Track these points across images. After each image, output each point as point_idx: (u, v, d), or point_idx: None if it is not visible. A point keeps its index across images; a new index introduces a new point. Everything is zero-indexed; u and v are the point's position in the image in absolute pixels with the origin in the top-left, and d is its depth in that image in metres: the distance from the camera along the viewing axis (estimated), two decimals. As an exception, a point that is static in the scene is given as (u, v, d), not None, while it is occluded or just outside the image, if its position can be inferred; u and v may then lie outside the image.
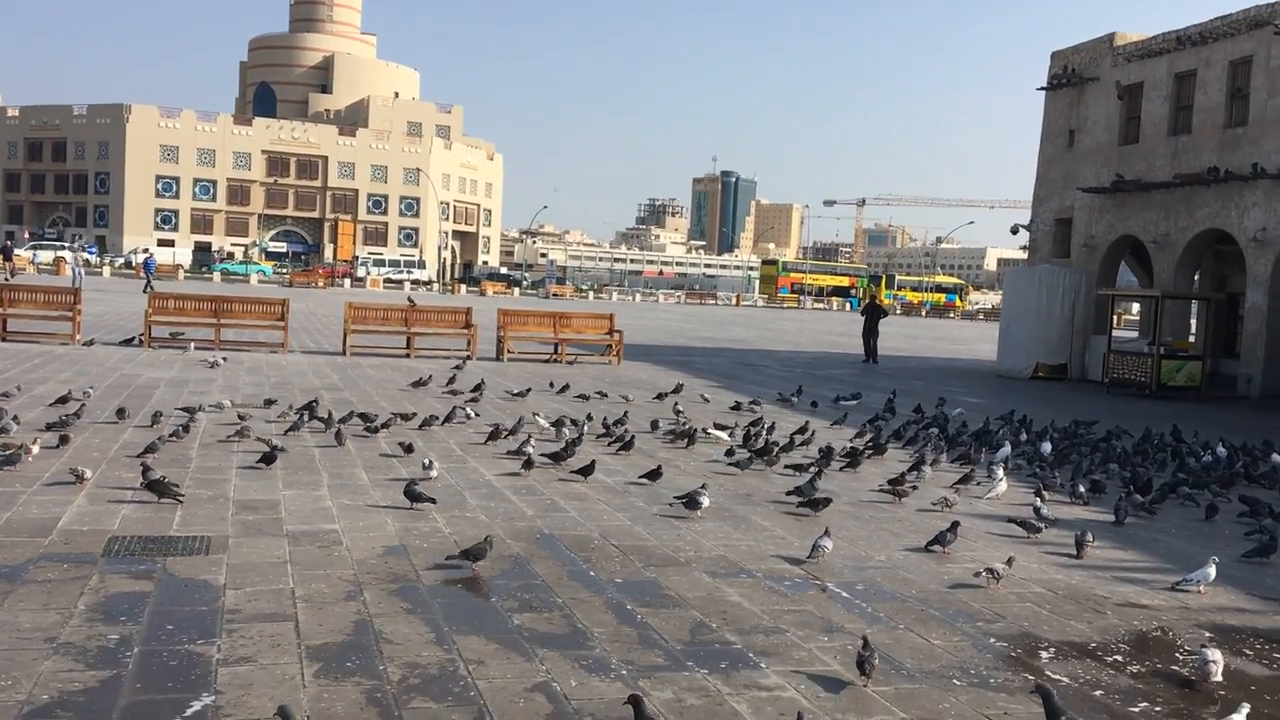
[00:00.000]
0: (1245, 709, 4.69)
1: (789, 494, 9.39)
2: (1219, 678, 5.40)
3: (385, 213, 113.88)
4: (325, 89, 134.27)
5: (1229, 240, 24.59)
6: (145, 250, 63.38)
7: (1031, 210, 30.61)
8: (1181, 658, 5.88)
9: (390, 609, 5.93)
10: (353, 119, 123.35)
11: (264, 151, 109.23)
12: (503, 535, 7.64)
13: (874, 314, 28.92)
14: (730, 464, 10.80)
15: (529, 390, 16.14)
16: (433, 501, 8.32)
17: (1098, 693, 5.29)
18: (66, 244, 71.77)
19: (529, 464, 10.03)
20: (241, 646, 5.24)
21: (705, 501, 8.65)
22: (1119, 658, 5.83)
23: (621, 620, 5.99)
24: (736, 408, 15.94)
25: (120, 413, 11.69)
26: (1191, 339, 27.25)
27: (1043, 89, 29.92)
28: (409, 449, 10.42)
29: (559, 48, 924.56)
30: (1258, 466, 12.37)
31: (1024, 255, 32.03)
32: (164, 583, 6.19)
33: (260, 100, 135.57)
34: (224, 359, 18.29)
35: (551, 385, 17.10)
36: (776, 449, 11.74)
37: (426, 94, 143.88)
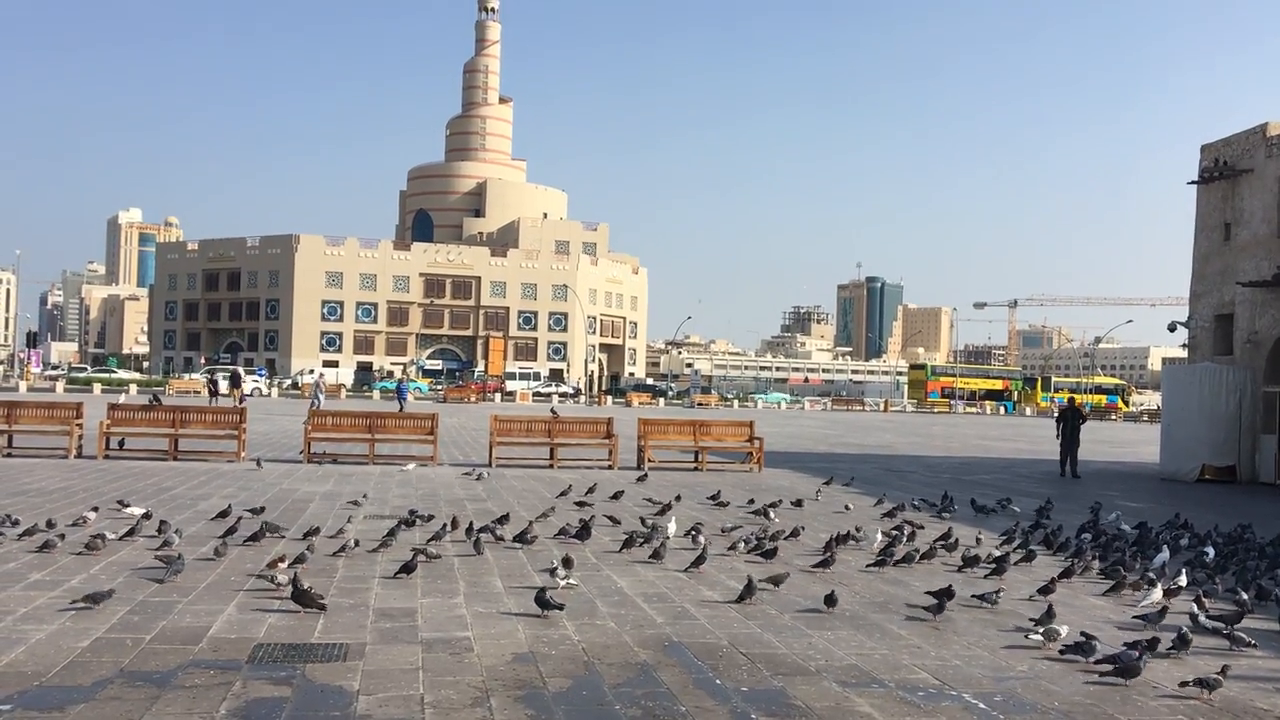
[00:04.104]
0: None
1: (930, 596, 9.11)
2: None
3: (535, 328, 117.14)
4: (478, 213, 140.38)
5: None
6: (313, 371, 66.45)
7: (1189, 307, 29.45)
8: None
9: (515, 715, 6.00)
10: (504, 240, 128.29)
11: (421, 274, 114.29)
12: (631, 643, 7.66)
13: (1074, 419, 25.65)
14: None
15: (678, 498, 16.19)
16: (561, 609, 8.41)
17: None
18: (230, 366, 76.00)
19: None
20: (369, 750, 5.36)
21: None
22: (1280, 777, 5.44)
23: (744, 729, 5.90)
24: (890, 514, 15.59)
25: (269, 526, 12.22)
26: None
27: (1194, 182, 29.03)
28: (567, 562, 10.37)
29: (701, 162, 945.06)
30: None
31: (1186, 354, 30.69)
32: (302, 688, 6.41)
33: (418, 226, 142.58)
34: (484, 473, 19.68)
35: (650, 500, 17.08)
36: (918, 556, 11.49)
37: (574, 214, 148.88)
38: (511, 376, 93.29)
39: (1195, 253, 29.14)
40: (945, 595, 8.98)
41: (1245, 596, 9.55)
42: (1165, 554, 11.92)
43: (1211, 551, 12.22)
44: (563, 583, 9.41)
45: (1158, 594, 9.61)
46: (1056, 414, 26.26)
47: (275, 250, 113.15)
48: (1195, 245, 29.14)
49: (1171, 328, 31.14)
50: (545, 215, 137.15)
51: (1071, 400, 27.20)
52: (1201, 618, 8.77)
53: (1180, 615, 8.94)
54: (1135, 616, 9.06)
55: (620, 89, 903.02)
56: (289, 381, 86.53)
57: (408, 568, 9.77)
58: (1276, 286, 25.71)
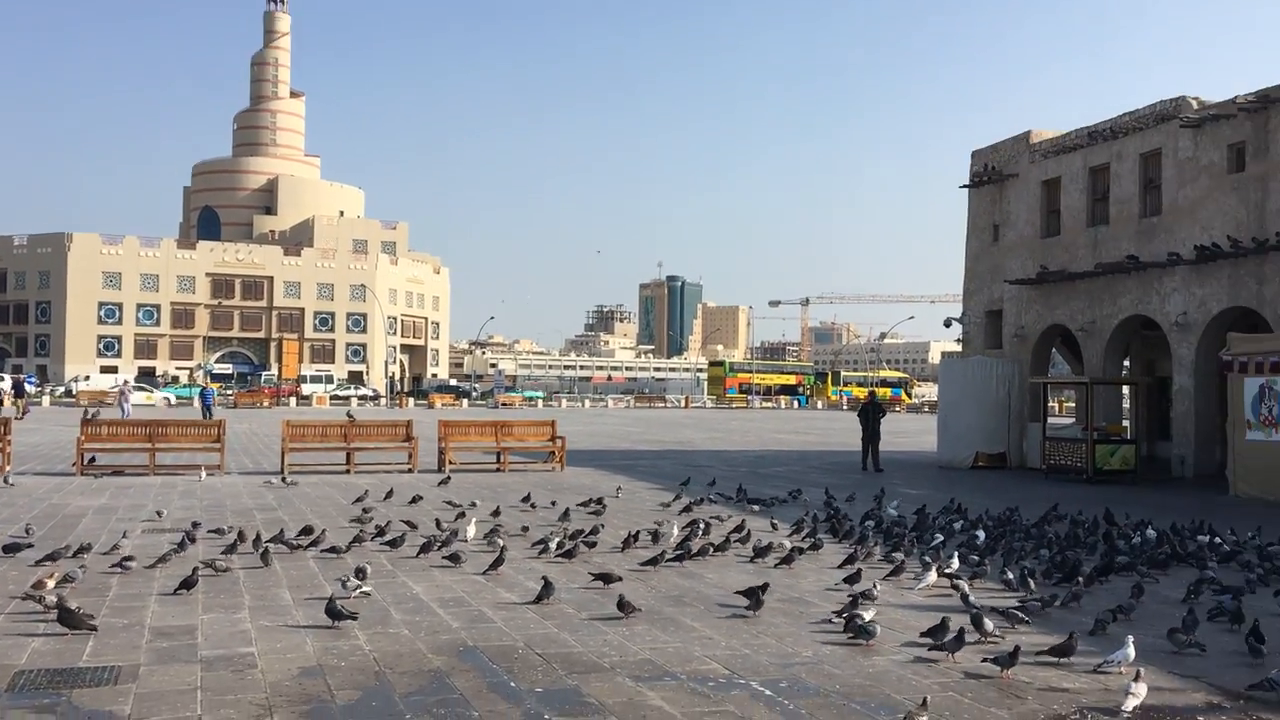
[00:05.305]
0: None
1: (738, 593, 9.30)
2: (1129, 705, 6.22)
3: (332, 330, 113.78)
4: (270, 210, 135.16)
5: (1154, 325, 25.24)
6: (125, 381, 61.98)
7: (963, 304, 31.30)
8: (1098, 739, 5.90)
9: (300, 731, 5.81)
10: (298, 239, 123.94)
11: (208, 274, 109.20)
12: (425, 650, 7.54)
13: (874, 414, 25.71)
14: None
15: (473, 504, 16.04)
16: (353, 618, 8.19)
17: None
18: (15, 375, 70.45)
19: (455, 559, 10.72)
20: (140, 778, 5.09)
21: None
22: (1036, 743, 5.85)
23: (537, 730, 5.90)
24: (687, 509, 15.94)
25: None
26: (1125, 423, 27.73)
27: (965, 186, 30.87)
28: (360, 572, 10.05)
29: (501, 161, 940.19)
30: (1186, 546, 12.54)
31: (961, 348, 32.58)
32: (67, 716, 6.01)
33: (204, 224, 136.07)
34: (279, 480, 19.25)
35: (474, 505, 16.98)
36: (712, 549, 11.78)
37: (371, 212, 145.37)
38: (307, 380, 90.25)
39: (968, 253, 30.98)
40: (760, 591, 9.17)
41: (1011, 576, 10.21)
42: (941, 538, 12.63)
43: (982, 535, 13.01)
44: (354, 592, 9.17)
45: (932, 576, 10.17)
46: (859, 409, 26.67)
47: (45, 249, 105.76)
48: (967, 246, 30.99)
49: (947, 323, 33.06)
50: (341, 213, 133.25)
51: (873, 394, 28.06)
52: (972, 598, 9.32)
53: (952, 595, 9.48)
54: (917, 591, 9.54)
55: (417, 85, 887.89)
56: (62, 389, 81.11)
57: (188, 583, 9.32)
58: (1040, 284, 27.64)
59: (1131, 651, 7.22)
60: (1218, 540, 12.94)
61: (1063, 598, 9.41)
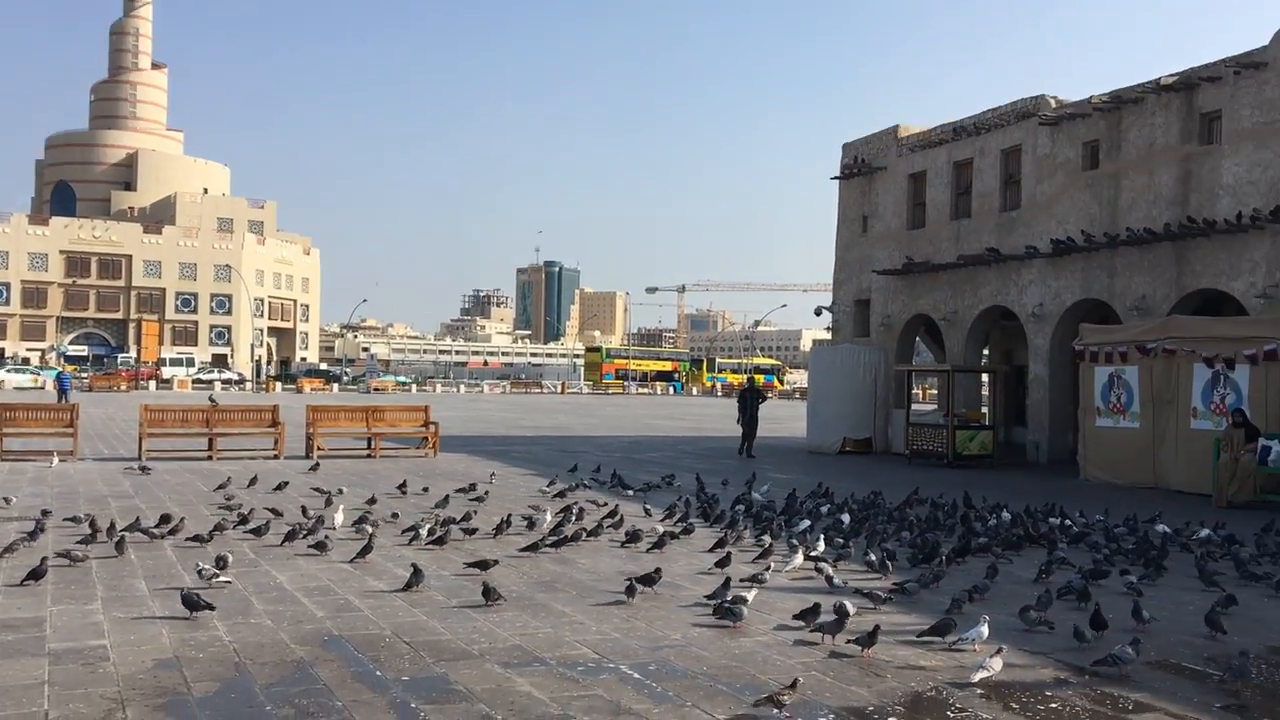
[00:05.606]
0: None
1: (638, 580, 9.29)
2: (976, 677, 6.61)
3: (195, 311, 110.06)
4: (129, 186, 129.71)
5: (1013, 316, 26.22)
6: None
7: (833, 293, 31.98)
8: (953, 715, 6.12)
9: (154, 726, 5.61)
10: (159, 216, 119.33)
11: (62, 252, 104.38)
12: (287, 640, 7.36)
13: (753, 400, 26.13)
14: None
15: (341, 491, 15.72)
16: (212, 609, 7.96)
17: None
18: None
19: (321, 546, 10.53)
20: (-21, 779, 4.85)
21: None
22: (893, 719, 6.03)
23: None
24: (561, 495, 15.92)
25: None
26: (984, 410, 28.77)
27: (836, 178, 31.51)
28: (220, 563, 9.74)
29: (375, 140, 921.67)
30: (1038, 528, 13.08)
31: (831, 336, 33.28)
32: (-101, 716, 5.69)
33: (58, 199, 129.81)
34: (140, 467, 17.26)
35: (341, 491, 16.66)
36: (585, 534, 11.81)
37: (238, 190, 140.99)
38: (168, 363, 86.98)
39: (838, 243, 31.66)
40: (649, 579, 9.23)
41: (874, 558, 10.50)
42: (807, 522, 12.91)
43: (847, 518, 13.35)
44: (211, 581, 8.90)
45: (799, 559, 10.38)
46: (738, 394, 26.91)
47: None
48: (838, 236, 31.67)
49: (818, 312, 33.77)
50: (206, 191, 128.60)
51: (751, 380, 28.45)
52: (837, 579, 9.56)
53: (818, 577, 9.70)
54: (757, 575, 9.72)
55: (288, 60, 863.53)
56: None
57: (36, 573, 8.90)
58: (906, 275, 28.43)
59: (985, 630, 7.50)
60: (1068, 522, 13.56)
61: (923, 578, 9.72)
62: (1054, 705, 6.33)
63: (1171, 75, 21.82)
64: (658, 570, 9.41)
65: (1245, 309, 20.12)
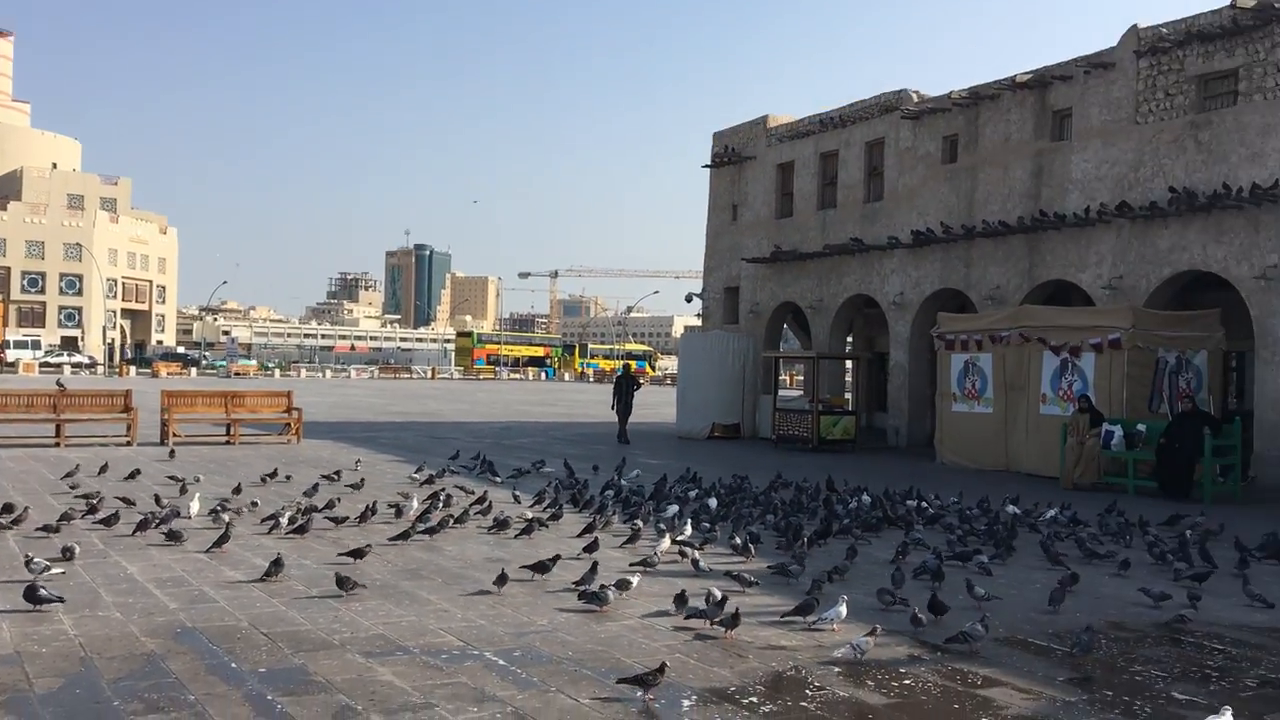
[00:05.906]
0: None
1: (530, 568, 9.24)
2: (838, 653, 6.90)
3: (43, 291, 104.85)
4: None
5: (875, 304, 26.93)
6: None
7: (704, 280, 32.34)
8: (811, 693, 6.27)
9: (-10, 726, 5.35)
10: (3, 192, 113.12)
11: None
12: (138, 633, 7.10)
13: (629, 386, 26.00)
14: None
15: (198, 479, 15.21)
16: (60, 601, 7.61)
17: (731, 734, 5.53)
18: None
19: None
20: None
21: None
22: (754, 699, 6.14)
23: (259, 712, 5.68)
24: (429, 481, 15.72)
25: None
26: (848, 396, 29.51)
27: (707, 166, 31.83)
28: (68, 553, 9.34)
29: (238, 118, 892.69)
30: (896, 510, 13.49)
31: (701, 323, 33.63)
32: None
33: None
34: None
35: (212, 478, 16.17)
36: (452, 521, 11.69)
37: (90, 165, 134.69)
38: (12, 345, 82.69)
39: (708, 231, 32.02)
40: (550, 563, 9.22)
41: (739, 541, 10.67)
42: (676, 506, 13.05)
43: (714, 502, 13.54)
44: (41, 573, 8.44)
45: (666, 543, 10.48)
46: (614, 380, 26.68)
47: None
48: (708, 224, 32.02)
49: (688, 299, 34.12)
50: (55, 166, 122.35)
51: (627, 367, 28.63)
52: (703, 563, 9.69)
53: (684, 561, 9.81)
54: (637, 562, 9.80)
55: (144, 30, 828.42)
56: None
57: None
58: (774, 263, 28.92)
59: (844, 609, 7.71)
60: (925, 504, 14.02)
61: (796, 557, 9.92)
62: (908, 682, 6.55)
63: (1027, 73, 22.68)
64: (556, 557, 9.38)
65: (1092, 299, 21.10)
